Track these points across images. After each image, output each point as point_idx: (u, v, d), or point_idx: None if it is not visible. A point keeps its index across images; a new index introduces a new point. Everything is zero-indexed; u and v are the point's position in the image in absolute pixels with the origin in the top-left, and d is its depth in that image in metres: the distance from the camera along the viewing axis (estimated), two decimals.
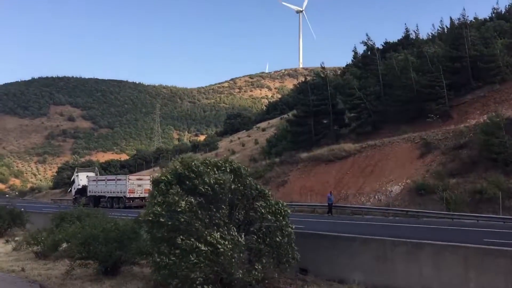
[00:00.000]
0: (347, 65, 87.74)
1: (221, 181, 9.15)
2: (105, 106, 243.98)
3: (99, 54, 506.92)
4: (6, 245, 19.01)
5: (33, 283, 11.83)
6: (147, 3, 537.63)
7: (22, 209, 24.41)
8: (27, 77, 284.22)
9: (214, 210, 9.12)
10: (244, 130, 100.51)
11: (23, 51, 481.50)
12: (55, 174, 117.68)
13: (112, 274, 12.23)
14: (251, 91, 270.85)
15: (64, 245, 14.62)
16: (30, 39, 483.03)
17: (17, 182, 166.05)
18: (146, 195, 45.54)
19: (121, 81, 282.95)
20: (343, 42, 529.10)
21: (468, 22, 55.44)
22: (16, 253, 16.72)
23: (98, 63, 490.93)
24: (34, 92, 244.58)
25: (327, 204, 34.83)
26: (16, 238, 19.11)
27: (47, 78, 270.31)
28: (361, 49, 72.76)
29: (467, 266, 11.77)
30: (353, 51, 78.98)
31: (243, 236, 9.01)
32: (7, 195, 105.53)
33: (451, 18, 69.42)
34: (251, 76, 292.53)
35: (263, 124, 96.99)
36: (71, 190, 58.10)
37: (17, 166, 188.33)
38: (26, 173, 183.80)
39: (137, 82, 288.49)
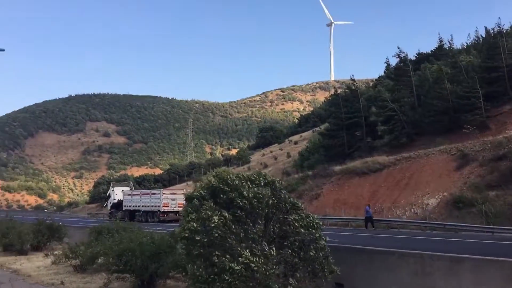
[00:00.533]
0: (379, 77, 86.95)
1: (260, 195, 9.13)
2: (139, 121, 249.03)
3: (133, 70, 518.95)
4: (45, 259, 19.47)
5: None
6: (178, 19, 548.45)
7: (60, 223, 25.01)
8: (64, 94, 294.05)
9: (251, 224, 9.12)
10: (276, 144, 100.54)
11: (60, 69, 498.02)
12: (91, 188, 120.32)
13: (148, 287, 12.35)
14: (282, 104, 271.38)
15: (101, 259, 14.86)
16: (66, 58, 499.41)
17: (55, 197, 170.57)
18: (180, 209, 45.97)
19: (154, 97, 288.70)
20: (375, 54, 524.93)
21: (504, 31, 54.16)
22: (55, 266, 17.09)
23: (132, 80, 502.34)
24: (71, 109, 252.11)
25: (363, 218, 34.21)
26: (55, 252, 19.53)
27: (83, 95, 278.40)
28: (393, 61, 71.95)
29: (509, 281, 11.35)
30: (385, 63, 78.38)
31: (274, 249, 8.95)
32: (45, 210, 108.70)
33: (486, 28, 67.90)
34: (282, 90, 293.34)
35: (295, 137, 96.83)
36: (107, 205, 59.19)
37: (55, 182, 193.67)
38: (64, 188, 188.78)
39: (170, 98, 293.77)
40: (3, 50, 37.53)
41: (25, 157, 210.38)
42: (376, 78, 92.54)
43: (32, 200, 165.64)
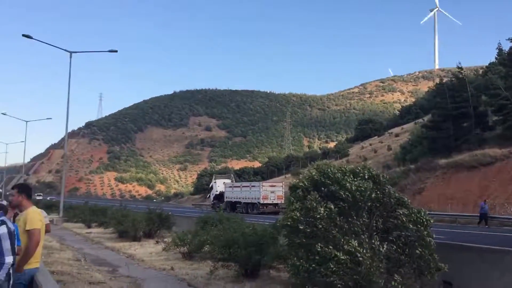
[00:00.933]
0: (490, 64, 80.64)
1: (362, 189, 9.00)
2: (238, 115, 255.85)
3: (232, 66, 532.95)
4: (156, 246, 20.76)
5: (182, 281, 12.76)
6: (271, 14, 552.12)
7: (170, 213, 26.45)
8: (169, 91, 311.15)
9: (355, 217, 9.02)
10: (376, 136, 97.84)
11: (166, 68, 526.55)
12: (195, 180, 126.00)
13: (252, 276, 12.71)
14: (382, 95, 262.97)
15: (207, 247, 15.53)
16: (171, 57, 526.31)
17: (162, 188, 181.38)
18: (279, 201, 46.65)
19: (253, 91, 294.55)
20: (485, 40, 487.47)
21: None
22: (165, 253, 18.09)
23: (232, 75, 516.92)
24: (176, 105, 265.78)
25: (471, 214, 32.14)
26: (165, 239, 20.75)
27: (187, 91, 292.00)
28: (507, 46, 66.23)
29: None
30: (497, 48, 72.35)
31: (385, 245, 8.76)
32: (154, 200, 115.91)
33: None
34: (382, 81, 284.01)
35: (396, 130, 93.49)
36: (209, 196, 61.56)
37: (162, 173, 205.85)
38: (170, 180, 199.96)
39: (268, 92, 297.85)
40: (116, 51, 40.63)
41: (135, 151, 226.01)
42: (487, 65, 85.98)
43: (142, 190, 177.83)
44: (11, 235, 5.46)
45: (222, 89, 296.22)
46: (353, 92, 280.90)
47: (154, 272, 14.32)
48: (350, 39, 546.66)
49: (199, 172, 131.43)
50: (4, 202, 8.75)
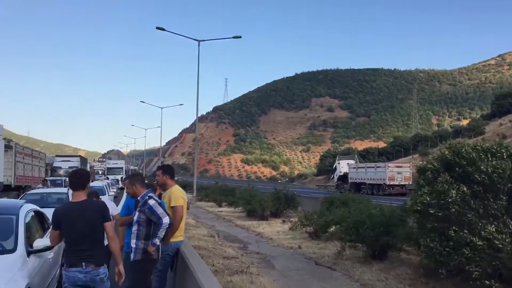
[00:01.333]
0: None
1: (500, 170, 8.36)
2: (361, 95, 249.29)
3: (353, 44, 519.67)
4: (283, 225, 21.30)
5: (309, 259, 13.07)
6: None
7: (295, 192, 26.90)
8: (291, 73, 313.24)
9: (491, 200, 8.45)
10: None
11: (287, 50, 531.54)
12: (318, 161, 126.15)
13: (380, 258, 12.55)
14: None
15: (333, 228, 15.63)
16: (291, 38, 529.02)
17: (286, 169, 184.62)
18: (406, 182, 44.98)
19: (376, 69, 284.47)
20: None
21: None
22: (292, 232, 18.50)
23: (353, 54, 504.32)
24: (297, 86, 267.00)
25: None
26: (291, 219, 21.23)
27: (308, 72, 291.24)
28: None
29: None
30: None
31: None
32: (279, 181, 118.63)
33: None
34: None
35: None
36: (333, 177, 61.41)
37: (285, 155, 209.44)
38: (293, 161, 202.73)
39: (392, 69, 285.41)
40: (240, 37, 42.12)
41: (259, 133, 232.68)
42: None
43: (267, 171, 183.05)
44: (160, 204, 6.24)
45: (343, 68, 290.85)
46: (489, 64, 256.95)
47: (282, 250, 14.82)
48: (486, 4, 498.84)
49: (322, 153, 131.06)
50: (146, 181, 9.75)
